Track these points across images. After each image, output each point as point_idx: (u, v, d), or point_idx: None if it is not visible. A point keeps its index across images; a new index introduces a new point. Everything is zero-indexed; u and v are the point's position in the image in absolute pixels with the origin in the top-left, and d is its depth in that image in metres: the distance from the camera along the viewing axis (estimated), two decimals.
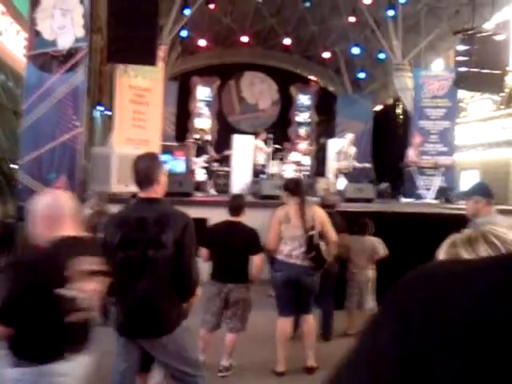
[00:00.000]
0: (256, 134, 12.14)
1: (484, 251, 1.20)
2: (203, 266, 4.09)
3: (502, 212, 4.17)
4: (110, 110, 11.95)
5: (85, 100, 7.90)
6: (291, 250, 4.40)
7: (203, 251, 4.47)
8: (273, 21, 16.43)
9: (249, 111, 18.47)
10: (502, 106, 13.67)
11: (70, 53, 7.44)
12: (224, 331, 4.50)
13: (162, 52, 11.08)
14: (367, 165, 12.24)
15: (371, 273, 5.70)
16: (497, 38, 10.90)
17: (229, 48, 17.43)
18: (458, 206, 7.45)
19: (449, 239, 1.33)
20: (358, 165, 11.72)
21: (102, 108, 14.27)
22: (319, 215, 4.47)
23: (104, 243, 2.84)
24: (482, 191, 3.88)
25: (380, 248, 5.62)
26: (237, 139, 12.42)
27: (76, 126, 7.43)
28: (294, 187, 4.59)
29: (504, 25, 12.24)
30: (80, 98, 7.51)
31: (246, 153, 12.04)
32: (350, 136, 11.69)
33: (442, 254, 1.31)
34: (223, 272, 4.42)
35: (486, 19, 12.16)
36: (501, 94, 12.47)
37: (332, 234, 4.50)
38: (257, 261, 4.35)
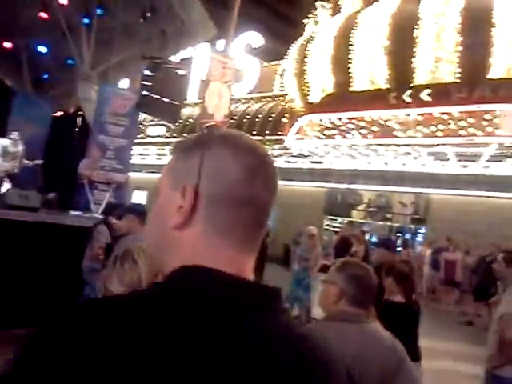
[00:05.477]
0: None
1: (128, 268, 1.33)
2: None
3: None
4: None
5: None
6: None
7: None
8: None
9: None
10: (175, 134, 14.90)
11: None
12: None
13: None
14: (38, 161, 11.47)
15: None
16: (179, 72, 11.88)
17: None
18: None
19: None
20: (27, 162, 10.91)
21: None
22: None
23: None
24: (137, 211, 4.09)
25: None
26: None
27: None
28: None
29: (187, 61, 13.50)
30: None
31: None
32: (15, 135, 10.87)
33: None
34: None
35: (172, 53, 13.18)
36: (176, 124, 13.58)
37: None
38: None
